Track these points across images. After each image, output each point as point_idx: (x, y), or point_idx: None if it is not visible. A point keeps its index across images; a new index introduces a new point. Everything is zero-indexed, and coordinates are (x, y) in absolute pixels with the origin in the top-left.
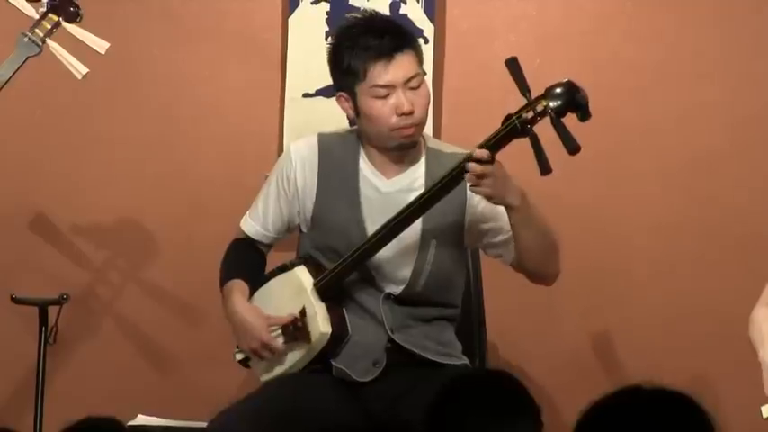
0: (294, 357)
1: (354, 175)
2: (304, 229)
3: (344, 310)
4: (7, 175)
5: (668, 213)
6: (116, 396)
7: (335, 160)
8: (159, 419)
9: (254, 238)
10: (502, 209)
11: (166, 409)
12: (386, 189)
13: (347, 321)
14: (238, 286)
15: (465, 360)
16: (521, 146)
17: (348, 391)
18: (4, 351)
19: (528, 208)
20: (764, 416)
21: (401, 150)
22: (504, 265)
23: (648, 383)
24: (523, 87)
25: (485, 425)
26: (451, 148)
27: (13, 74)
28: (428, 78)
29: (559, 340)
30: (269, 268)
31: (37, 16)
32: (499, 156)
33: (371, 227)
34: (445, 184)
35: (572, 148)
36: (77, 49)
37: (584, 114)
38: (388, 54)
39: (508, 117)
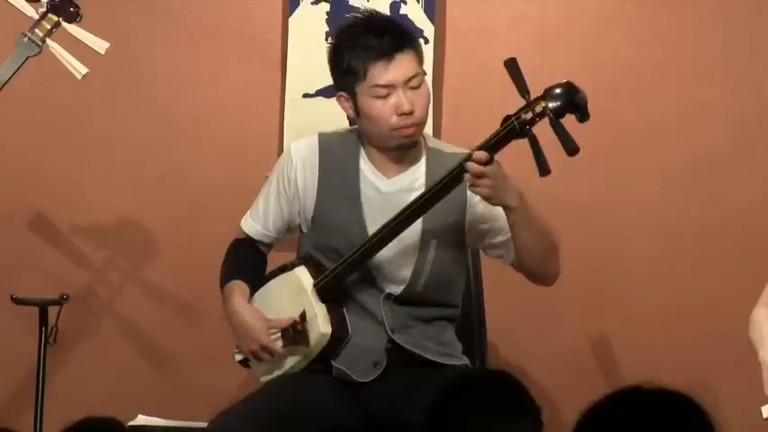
0: (293, 359)
1: (355, 174)
2: (304, 229)
3: (345, 310)
4: (7, 175)
5: (668, 213)
6: (116, 396)
7: (336, 160)
8: (159, 420)
9: (255, 237)
10: (501, 209)
11: (166, 409)
12: (386, 189)
13: (347, 322)
14: (239, 287)
15: (465, 360)
16: (520, 147)
17: (348, 392)
18: (5, 351)
19: (526, 209)
20: (764, 416)
21: (401, 150)
22: (504, 265)
23: (648, 384)
24: (522, 88)
25: (485, 425)
26: (452, 148)
27: (13, 74)
28: (428, 78)
29: (559, 340)
30: (269, 268)
31: (37, 16)
32: (498, 156)
33: (372, 227)
34: (445, 184)
35: (571, 148)
36: (77, 49)
37: (582, 115)
38: (388, 54)
39: (507, 118)
